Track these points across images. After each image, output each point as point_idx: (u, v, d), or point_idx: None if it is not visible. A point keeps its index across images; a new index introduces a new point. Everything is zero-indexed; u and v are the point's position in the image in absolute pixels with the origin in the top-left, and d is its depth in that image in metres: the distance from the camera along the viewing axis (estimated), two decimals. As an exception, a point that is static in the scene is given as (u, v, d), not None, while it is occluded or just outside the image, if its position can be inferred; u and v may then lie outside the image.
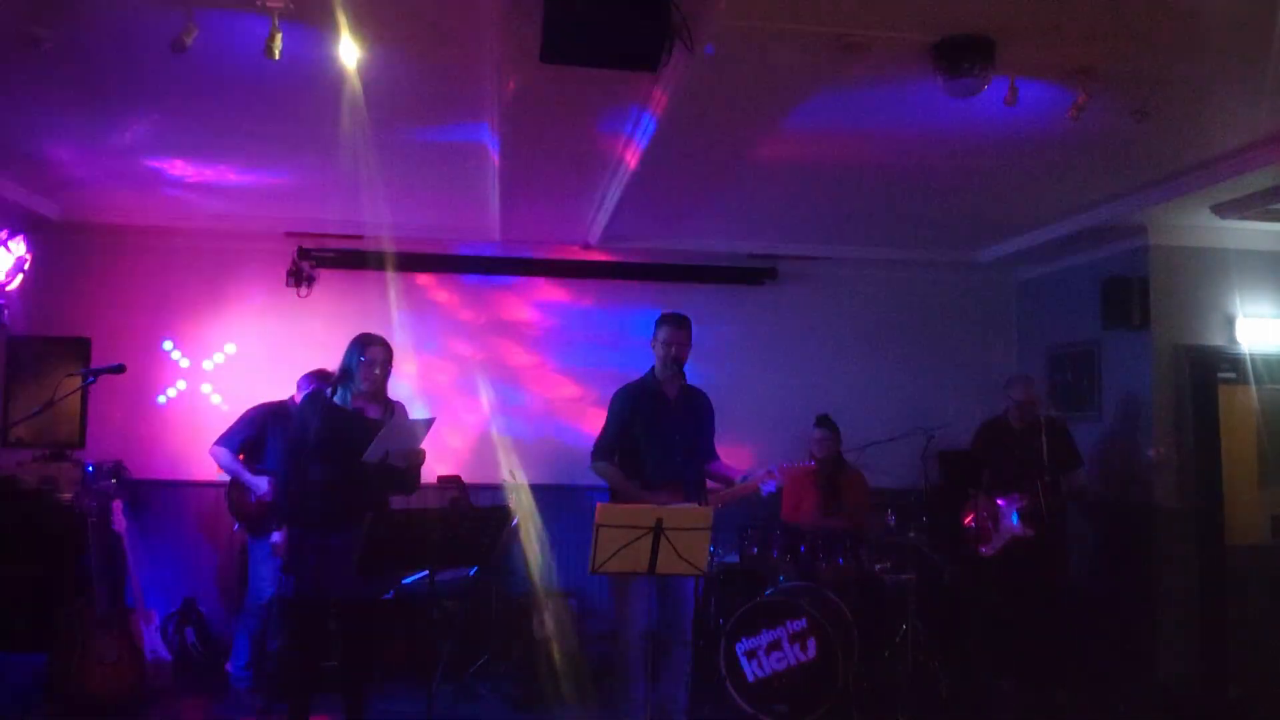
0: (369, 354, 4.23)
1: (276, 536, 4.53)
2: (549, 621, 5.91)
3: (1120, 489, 5.97)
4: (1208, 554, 5.77)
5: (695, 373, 4.62)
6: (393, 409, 4.33)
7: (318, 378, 5.28)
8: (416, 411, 4.61)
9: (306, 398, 4.40)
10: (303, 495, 4.07)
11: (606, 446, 4.56)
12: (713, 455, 4.72)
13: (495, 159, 4.95)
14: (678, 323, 4.54)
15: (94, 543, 5.09)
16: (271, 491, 5.10)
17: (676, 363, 4.50)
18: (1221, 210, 5.38)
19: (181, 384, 6.66)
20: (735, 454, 6.47)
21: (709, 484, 4.70)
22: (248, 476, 5.27)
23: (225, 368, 6.70)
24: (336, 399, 4.25)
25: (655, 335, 4.57)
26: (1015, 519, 5.47)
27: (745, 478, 4.57)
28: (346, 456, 4.12)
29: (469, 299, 6.99)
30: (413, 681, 5.52)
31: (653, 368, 4.63)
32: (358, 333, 4.39)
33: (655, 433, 4.49)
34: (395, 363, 4.27)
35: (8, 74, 4.00)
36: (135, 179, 5.60)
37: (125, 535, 5.43)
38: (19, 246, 5.93)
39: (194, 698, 5.40)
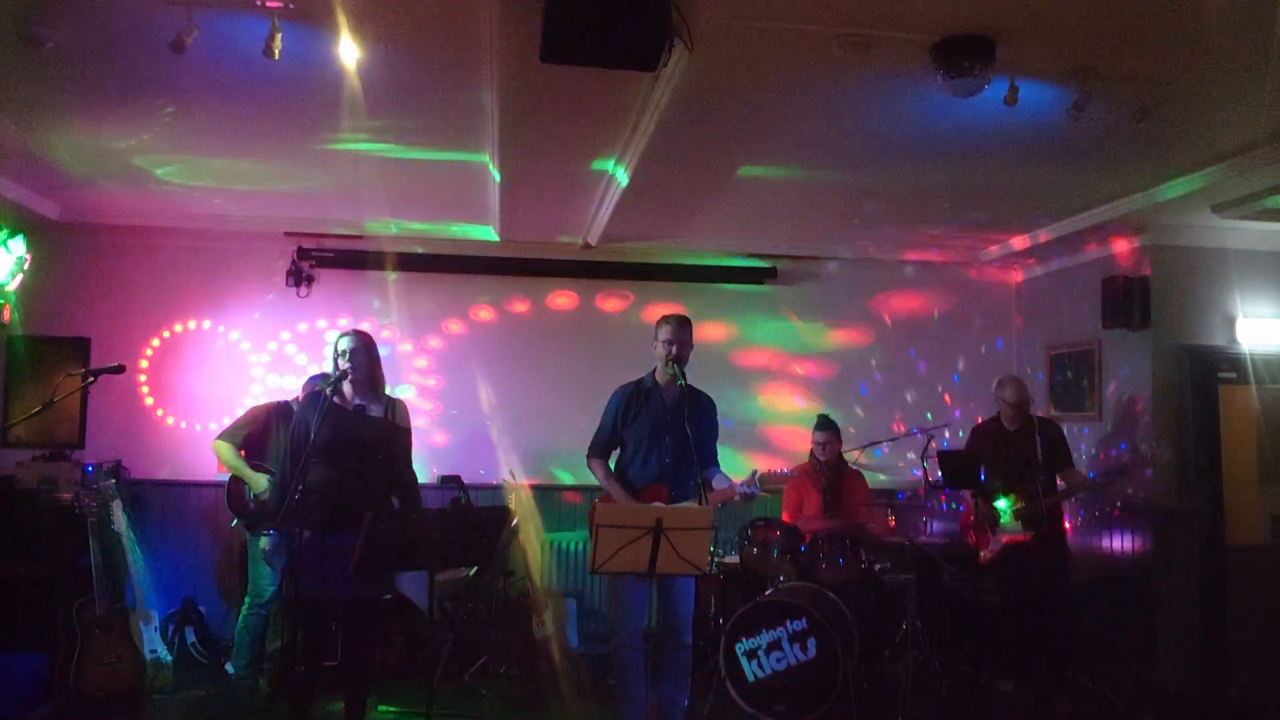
0: (339, 345, 4.30)
1: (266, 542, 4.46)
2: (549, 621, 5.91)
3: (1120, 489, 5.96)
4: (1208, 554, 5.77)
5: (695, 373, 4.61)
6: (394, 406, 4.35)
7: (322, 380, 5.30)
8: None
9: (308, 398, 4.41)
10: (304, 496, 4.06)
11: (599, 444, 4.63)
12: (711, 461, 4.61)
13: (495, 159, 4.95)
14: (678, 322, 4.53)
15: (94, 543, 5.09)
16: (271, 491, 5.10)
17: (676, 362, 4.49)
18: (1221, 210, 5.38)
19: (181, 384, 6.65)
20: (735, 455, 6.52)
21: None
22: (248, 473, 5.27)
23: (225, 367, 6.70)
24: (336, 399, 4.26)
25: (655, 335, 4.57)
26: (1012, 521, 5.48)
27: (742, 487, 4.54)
28: (349, 456, 4.13)
29: (469, 299, 6.99)
30: (413, 681, 5.52)
31: (654, 368, 4.63)
32: None
33: (643, 433, 4.50)
34: (397, 364, 4.27)
35: (8, 74, 4.00)
36: (135, 179, 5.60)
37: (125, 535, 5.43)
38: (19, 246, 5.93)
39: (194, 698, 5.40)
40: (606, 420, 4.63)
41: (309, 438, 4.07)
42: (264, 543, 4.48)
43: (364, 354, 4.29)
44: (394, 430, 4.31)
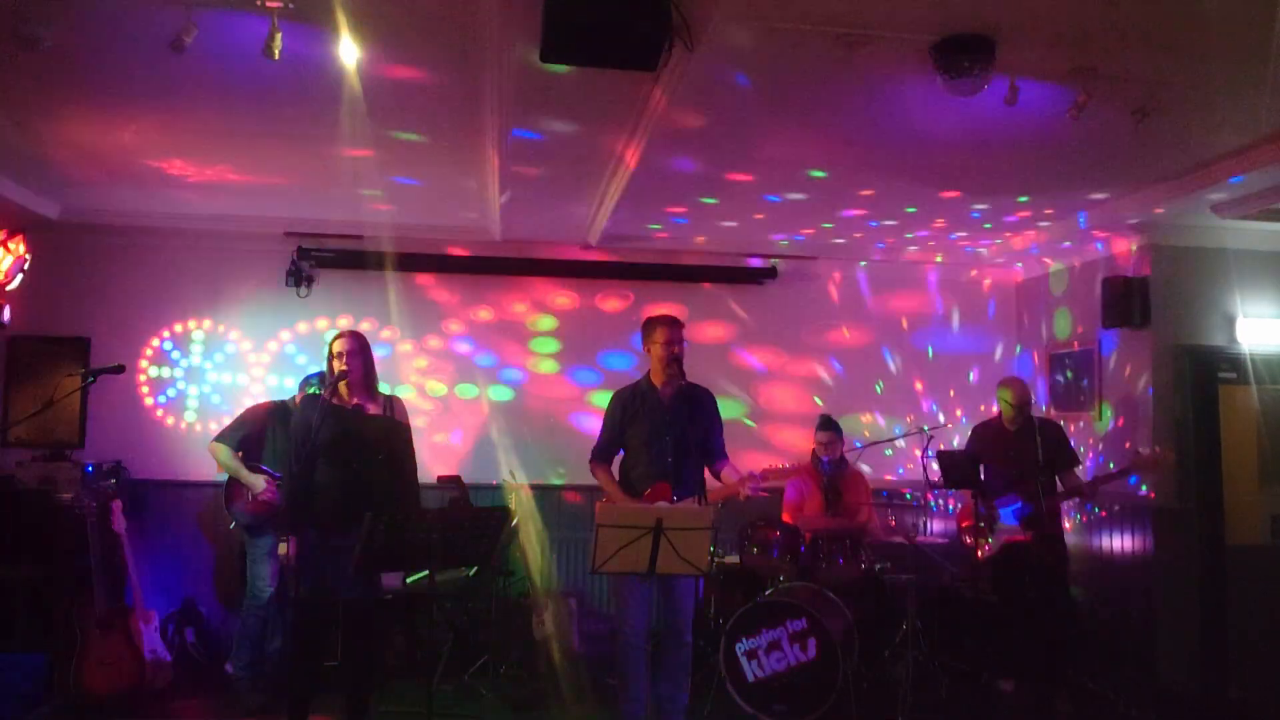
0: (334, 346, 4.34)
1: (286, 546, 4.42)
2: (549, 621, 5.91)
3: (1120, 489, 5.96)
4: (1208, 554, 5.77)
5: (695, 373, 4.62)
6: (391, 404, 4.37)
7: (319, 380, 5.30)
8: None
9: (305, 400, 4.43)
10: (307, 496, 4.07)
11: (601, 449, 4.67)
12: (719, 455, 4.66)
13: (495, 159, 4.95)
14: (674, 322, 4.57)
15: (94, 543, 5.09)
16: (278, 495, 5.10)
17: (676, 362, 4.50)
18: (1221, 210, 5.38)
19: (181, 384, 6.67)
20: (735, 455, 6.51)
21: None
22: (245, 474, 5.27)
23: (225, 367, 6.71)
24: (334, 399, 4.28)
25: (651, 337, 4.58)
26: (1012, 521, 5.47)
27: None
28: (351, 455, 4.13)
29: (469, 299, 6.98)
30: (413, 681, 5.52)
31: (648, 371, 4.65)
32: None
33: (644, 434, 4.52)
34: (397, 364, 4.28)
35: (8, 74, 3.99)
36: (135, 179, 5.60)
37: (125, 535, 5.43)
38: (19, 246, 5.93)
39: (194, 698, 5.40)
40: (607, 425, 4.66)
41: (310, 439, 4.08)
42: (284, 549, 4.48)
43: (359, 355, 4.31)
44: (395, 427, 4.32)
